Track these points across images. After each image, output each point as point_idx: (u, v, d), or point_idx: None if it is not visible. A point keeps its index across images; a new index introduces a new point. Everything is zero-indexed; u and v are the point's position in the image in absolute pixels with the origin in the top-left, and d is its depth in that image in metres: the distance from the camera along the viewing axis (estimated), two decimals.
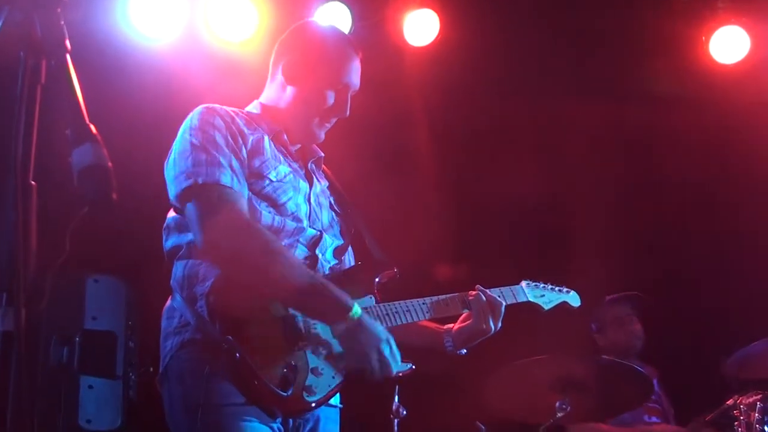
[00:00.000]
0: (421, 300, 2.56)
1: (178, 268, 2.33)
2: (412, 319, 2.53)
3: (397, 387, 3.60)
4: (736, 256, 5.06)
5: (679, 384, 4.49)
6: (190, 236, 2.33)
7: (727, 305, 4.86)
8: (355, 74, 2.56)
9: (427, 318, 2.57)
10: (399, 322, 2.46)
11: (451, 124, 5.04)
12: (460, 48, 4.74)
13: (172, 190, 2.33)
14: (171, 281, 2.35)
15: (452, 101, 4.88)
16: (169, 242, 2.39)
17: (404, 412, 3.62)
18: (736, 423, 3.57)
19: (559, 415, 3.54)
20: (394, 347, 2.31)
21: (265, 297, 2.26)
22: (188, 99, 2.80)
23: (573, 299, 2.94)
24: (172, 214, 2.41)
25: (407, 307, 2.52)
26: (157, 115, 3.92)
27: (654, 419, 4.30)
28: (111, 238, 3.80)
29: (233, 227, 2.23)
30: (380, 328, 2.33)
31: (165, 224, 2.42)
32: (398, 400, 3.62)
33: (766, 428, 3.47)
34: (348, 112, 2.55)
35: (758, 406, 3.50)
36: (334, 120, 2.56)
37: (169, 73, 4.38)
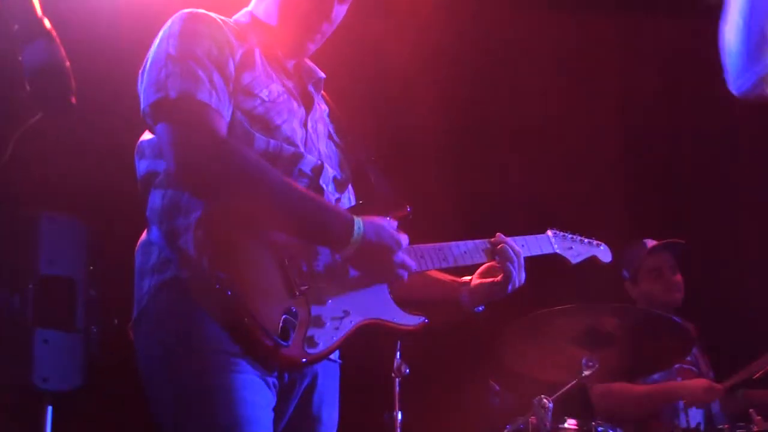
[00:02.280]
0: (437, 245, 2.44)
1: (156, 198, 2.21)
2: (427, 266, 2.41)
3: (399, 343, 3.45)
4: None
5: (721, 345, 4.29)
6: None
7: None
8: None
9: (443, 267, 2.46)
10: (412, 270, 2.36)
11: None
12: None
13: (142, 104, 2.20)
14: (147, 212, 2.23)
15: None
16: (143, 167, 2.27)
17: (407, 371, 3.47)
18: None
19: (585, 373, 3.35)
20: (407, 255, 2.27)
21: (259, 230, 2.14)
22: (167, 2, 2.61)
23: (604, 254, 2.85)
24: (147, 135, 2.28)
25: (422, 252, 2.40)
26: (131, 20, 3.69)
27: None
28: (69, 168, 3.67)
29: (209, 149, 2.11)
30: (388, 231, 2.25)
31: (137, 146, 2.30)
32: (400, 357, 3.47)
33: None
34: (333, 20, 2.40)
35: None
36: (320, 30, 2.40)
37: None
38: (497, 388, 3.65)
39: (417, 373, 3.49)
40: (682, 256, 4.28)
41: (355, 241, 2.17)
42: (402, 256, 2.24)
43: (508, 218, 4.00)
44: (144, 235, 2.24)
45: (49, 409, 3.42)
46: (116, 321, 3.30)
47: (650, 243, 4.29)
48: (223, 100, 2.17)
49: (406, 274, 2.26)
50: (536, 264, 2.61)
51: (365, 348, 2.28)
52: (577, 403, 3.91)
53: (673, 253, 4.27)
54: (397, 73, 4.65)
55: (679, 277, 4.24)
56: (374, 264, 2.22)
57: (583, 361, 3.35)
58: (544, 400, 3.22)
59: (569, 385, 3.34)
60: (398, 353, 3.46)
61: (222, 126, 2.15)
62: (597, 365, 3.33)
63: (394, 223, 2.30)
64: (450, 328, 2.79)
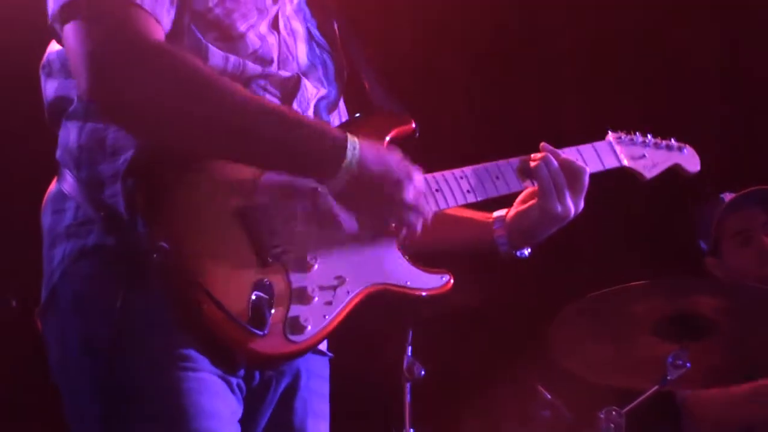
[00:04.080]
0: (457, 171, 2.17)
1: (70, 133, 2.00)
2: (447, 204, 2.15)
3: (411, 333, 3.12)
4: None
5: None
6: None
7: None
8: None
9: (468, 201, 2.17)
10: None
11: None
12: None
13: (50, 7, 1.98)
14: (57, 153, 2.02)
15: None
16: (51, 89, 2.05)
17: (422, 372, 3.11)
18: None
19: (672, 376, 2.92)
20: (418, 188, 2.02)
21: (215, 173, 1.93)
22: None
23: (689, 160, 2.49)
24: (55, 47, 2.07)
25: (438, 183, 2.14)
26: None
27: None
28: None
29: (147, 64, 1.87)
30: (396, 158, 2.00)
31: (43, 62, 2.11)
32: (412, 352, 3.14)
33: None
34: None
35: None
36: None
37: None
38: (548, 396, 3.36)
39: (435, 375, 3.19)
40: None
41: (348, 167, 1.91)
42: (415, 193, 1.98)
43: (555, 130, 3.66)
44: (53, 185, 2.03)
45: None
46: (13, 303, 2.98)
47: (728, 196, 3.73)
48: (161, 3, 1.95)
49: (420, 223, 2.01)
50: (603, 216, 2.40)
51: (365, 337, 2.16)
52: (662, 417, 3.49)
53: (764, 206, 3.70)
54: None
55: None
56: (375, 203, 1.98)
57: (669, 359, 2.93)
58: (614, 414, 2.87)
59: (649, 393, 2.98)
60: (409, 347, 3.15)
61: (158, 32, 1.92)
62: (688, 364, 2.92)
63: (399, 153, 2.08)
64: (481, 312, 2.57)
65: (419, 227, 2.02)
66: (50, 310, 1.98)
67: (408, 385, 3.14)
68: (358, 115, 2.26)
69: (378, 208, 2.00)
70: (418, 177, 2.02)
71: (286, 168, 1.96)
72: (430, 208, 2.08)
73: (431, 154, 2.15)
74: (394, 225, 2.02)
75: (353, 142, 1.95)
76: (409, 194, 1.99)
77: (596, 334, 3.11)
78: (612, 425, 2.87)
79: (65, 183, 1.99)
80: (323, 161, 1.93)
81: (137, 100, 1.87)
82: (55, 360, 1.98)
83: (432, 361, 3.19)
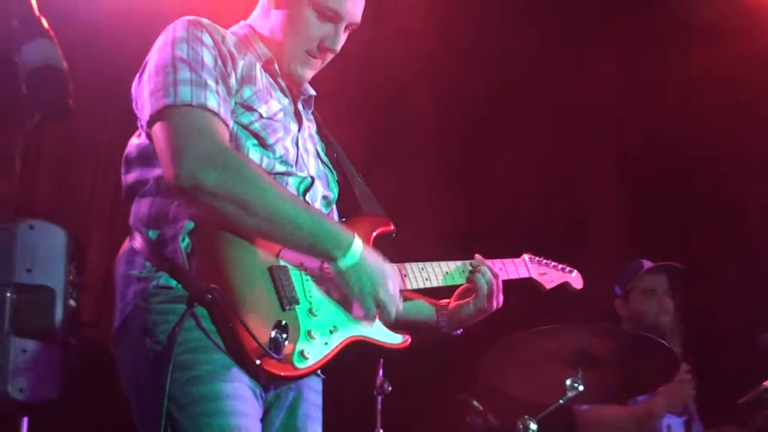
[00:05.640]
0: (420, 264, 2.47)
1: (143, 206, 2.20)
2: (411, 286, 2.45)
3: (382, 360, 3.43)
4: None
5: (705, 367, 4.29)
6: (158, 170, 2.18)
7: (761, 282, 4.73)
8: (350, 3, 2.39)
9: (426, 286, 2.49)
10: None
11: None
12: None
13: (146, 109, 2.15)
14: (131, 221, 2.21)
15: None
16: (132, 175, 2.25)
17: (389, 388, 3.49)
18: None
19: (571, 394, 3.34)
20: (395, 287, 2.26)
21: (252, 240, 2.15)
22: (160, 8, 2.81)
23: (576, 281, 2.90)
24: (135, 140, 2.27)
25: (406, 271, 2.43)
26: (118, 23, 3.76)
27: None
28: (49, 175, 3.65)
29: (219, 159, 2.08)
30: (384, 263, 2.26)
31: (126, 153, 2.28)
32: (383, 374, 3.49)
33: None
34: (337, 47, 2.42)
35: None
36: (321, 55, 2.41)
37: None
38: (480, 408, 3.66)
39: (399, 390, 3.50)
40: (678, 282, 4.30)
41: (352, 257, 2.17)
42: (394, 286, 2.25)
43: (490, 239, 4.08)
44: (127, 243, 2.20)
45: (25, 420, 3.34)
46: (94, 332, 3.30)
47: (647, 263, 4.30)
48: (227, 111, 2.16)
49: (393, 310, 2.26)
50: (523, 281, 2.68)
51: (349, 364, 2.27)
52: (563, 425, 3.89)
53: (669, 276, 4.28)
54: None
55: (670, 301, 4.26)
56: (366, 282, 2.20)
57: (569, 382, 3.32)
58: (528, 422, 3.22)
59: (553, 406, 3.32)
60: (381, 370, 3.47)
61: (228, 136, 2.15)
62: (582, 387, 3.31)
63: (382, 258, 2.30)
64: (433, 347, 2.76)
65: (393, 313, 2.27)
66: (122, 336, 2.17)
67: (379, 397, 3.48)
68: (344, 219, 2.49)
69: (366, 292, 2.22)
70: (396, 276, 2.30)
71: (306, 248, 2.18)
72: (401, 301, 2.29)
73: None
74: (377, 306, 2.24)
75: (359, 240, 2.20)
76: (391, 287, 2.25)
77: (517, 363, 3.44)
78: (526, 431, 3.19)
79: (135, 242, 2.18)
80: (335, 249, 2.17)
81: (213, 188, 2.07)
82: (126, 374, 2.17)
83: (398, 380, 3.48)
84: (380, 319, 2.29)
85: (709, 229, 5.01)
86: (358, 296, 2.22)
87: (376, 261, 2.24)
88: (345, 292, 2.22)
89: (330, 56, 2.43)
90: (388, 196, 2.62)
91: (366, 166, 3.43)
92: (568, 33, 4.97)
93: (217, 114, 2.12)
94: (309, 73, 2.43)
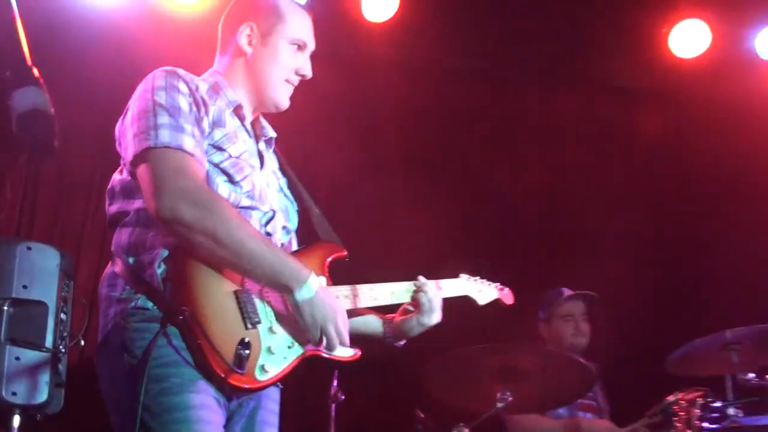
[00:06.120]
0: (370, 285, 2.59)
1: (123, 235, 2.31)
2: (362, 304, 2.56)
3: (336, 371, 3.62)
4: (691, 257, 5.18)
5: (622, 383, 4.57)
6: (138, 203, 2.30)
7: (670, 304, 5.00)
8: (311, 33, 2.60)
9: (375, 305, 2.61)
10: (346, 307, 2.48)
11: (405, 105, 5.11)
12: (418, 28, 4.81)
13: (130, 150, 2.28)
14: (113, 247, 2.32)
15: (407, 81, 4.95)
16: (114, 207, 2.37)
17: (342, 397, 3.63)
18: (675, 419, 3.62)
19: (500, 405, 3.58)
20: (344, 323, 2.35)
21: (220, 268, 2.25)
22: (140, 61, 2.84)
23: (507, 297, 3.03)
24: (117, 176, 2.38)
25: (357, 291, 2.55)
26: (104, 75, 3.97)
27: (588, 415, 4.38)
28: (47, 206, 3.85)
29: (194, 196, 2.20)
30: (335, 301, 2.36)
31: (109, 187, 2.39)
32: (337, 385, 3.64)
33: (704, 424, 3.53)
34: (310, 73, 2.59)
35: (698, 402, 3.56)
36: (297, 80, 2.58)
37: (120, 33, 4.39)
38: (422, 416, 3.78)
39: (351, 399, 3.64)
40: (594, 309, 4.55)
41: (307, 292, 2.27)
42: (341, 322, 2.33)
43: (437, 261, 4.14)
44: (109, 268, 2.33)
45: (17, 417, 3.21)
46: (83, 342, 3.18)
47: (567, 291, 4.56)
48: (202, 152, 2.30)
49: (337, 342, 2.33)
50: (457, 302, 2.81)
51: (306, 376, 2.38)
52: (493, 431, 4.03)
53: (587, 303, 4.54)
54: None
55: (587, 325, 4.51)
56: (318, 315, 2.30)
57: (498, 393, 3.57)
58: (463, 428, 3.46)
59: (485, 415, 3.56)
60: (335, 381, 3.62)
61: (203, 174, 2.28)
62: (510, 397, 3.56)
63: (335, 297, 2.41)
64: (382, 360, 2.97)
65: (335, 347, 2.34)
66: (104, 348, 2.26)
67: (333, 405, 3.60)
68: (303, 246, 2.60)
69: (316, 324, 2.30)
70: (344, 313, 2.35)
71: (267, 281, 2.27)
72: (345, 337, 2.34)
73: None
74: (323, 336, 2.31)
75: (315, 278, 2.29)
76: (339, 323, 2.32)
77: (455, 376, 3.64)
78: None
79: (117, 266, 2.29)
80: (293, 283, 2.26)
81: (189, 222, 2.18)
82: (106, 384, 2.27)
83: (350, 390, 3.60)
84: (324, 347, 2.35)
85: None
86: (310, 326, 2.31)
87: (329, 298, 2.33)
88: (299, 321, 2.32)
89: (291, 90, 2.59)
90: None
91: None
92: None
93: (192, 155, 2.24)
94: (286, 100, 2.56)
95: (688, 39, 4.81)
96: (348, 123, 4.87)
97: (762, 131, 4.97)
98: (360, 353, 2.49)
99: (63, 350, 3.31)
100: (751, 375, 3.54)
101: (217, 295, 2.24)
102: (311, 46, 2.60)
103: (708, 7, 4.72)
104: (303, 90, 2.64)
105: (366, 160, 4.97)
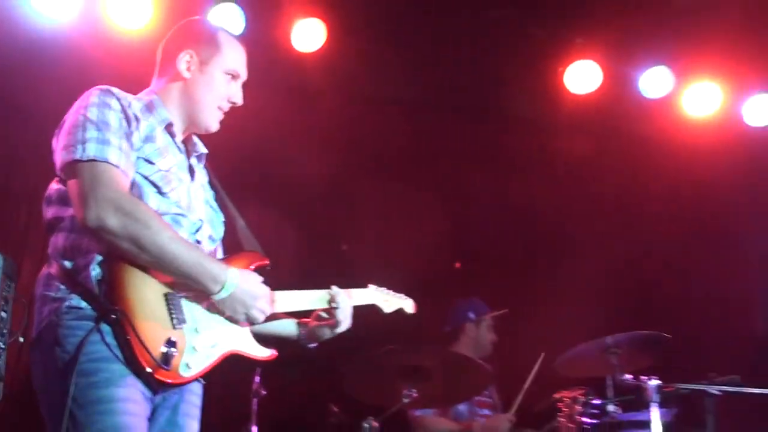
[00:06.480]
0: (289, 292, 2.66)
1: (59, 239, 2.34)
2: (281, 309, 2.64)
3: (258, 369, 3.77)
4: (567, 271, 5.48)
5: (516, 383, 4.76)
6: (72, 210, 2.34)
7: (556, 312, 5.23)
8: (244, 64, 2.69)
9: (292, 310, 2.69)
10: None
11: (331, 134, 5.26)
12: (345, 57, 5.00)
13: (58, 160, 2.34)
14: (50, 250, 2.36)
15: (333, 109, 5.12)
16: (50, 212, 2.40)
17: (264, 392, 3.78)
18: (559, 414, 3.91)
19: (405, 401, 3.80)
20: (268, 301, 2.46)
21: (150, 271, 2.30)
22: (84, 77, 2.85)
23: (408, 306, 3.16)
24: (54, 185, 2.41)
25: (276, 297, 2.62)
26: (48, 89, 4.05)
27: (485, 411, 4.62)
28: None
29: (118, 205, 2.24)
30: (257, 285, 2.44)
31: (46, 195, 2.43)
32: (259, 381, 3.80)
33: (584, 419, 3.83)
34: (241, 100, 2.66)
35: (580, 399, 3.86)
36: (228, 107, 2.65)
37: (67, 52, 4.48)
38: (335, 410, 4.03)
39: (272, 395, 3.78)
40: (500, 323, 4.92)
41: (228, 289, 2.36)
42: (262, 303, 2.45)
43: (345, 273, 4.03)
44: (45, 269, 2.35)
45: None
46: (21, 339, 3.24)
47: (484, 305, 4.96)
48: (128, 164, 2.35)
49: (262, 318, 2.47)
50: (368, 310, 2.91)
51: (231, 373, 2.45)
52: (400, 425, 4.28)
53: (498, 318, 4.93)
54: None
55: (495, 336, 4.90)
56: (239, 307, 2.41)
57: (404, 391, 3.78)
58: (372, 422, 3.65)
59: (392, 409, 3.77)
60: (257, 378, 3.79)
61: (127, 184, 2.33)
62: (415, 394, 3.77)
63: (258, 278, 2.48)
64: (302, 360, 3.04)
65: (260, 321, 2.46)
66: (38, 344, 2.29)
67: (255, 400, 3.76)
68: (227, 256, 2.63)
69: (240, 309, 2.42)
70: (266, 292, 2.45)
71: (190, 281, 2.33)
72: (267, 309, 2.45)
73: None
74: (247, 319, 2.43)
75: (233, 275, 2.36)
76: (260, 304, 2.42)
77: (367, 375, 3.84)
78: (371, 429, 3.61)
79: (53, 268, 2.31)
80: (213, 283, 2.34)
81: (113, 229, 2.22)
82: (39, 377, 2.29)
83: (270, 386, 3.76)
84: (252, 329, 2.47)
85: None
86: (234, 316, 2.44)
87: (250, 284, 2.41)
88: (224, 315, 2.43)
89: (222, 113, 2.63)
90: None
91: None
92: None
93: (117, 167, 2.28)
94: (216, 124, 2.61)
95: (582, 77, 5.16)
96: (281, 145, 5.01)
97: (645, 159, 5.43)
98: (277, 353, 2.57)
99: (2, 346, 3.37)
100: (628, 376, 3.73)
101: (148, 296, 2.28)
102: (244, 76, 2.69)
103: (599, 50, 5.06)
104: (233, 116, 2.72)
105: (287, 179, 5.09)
